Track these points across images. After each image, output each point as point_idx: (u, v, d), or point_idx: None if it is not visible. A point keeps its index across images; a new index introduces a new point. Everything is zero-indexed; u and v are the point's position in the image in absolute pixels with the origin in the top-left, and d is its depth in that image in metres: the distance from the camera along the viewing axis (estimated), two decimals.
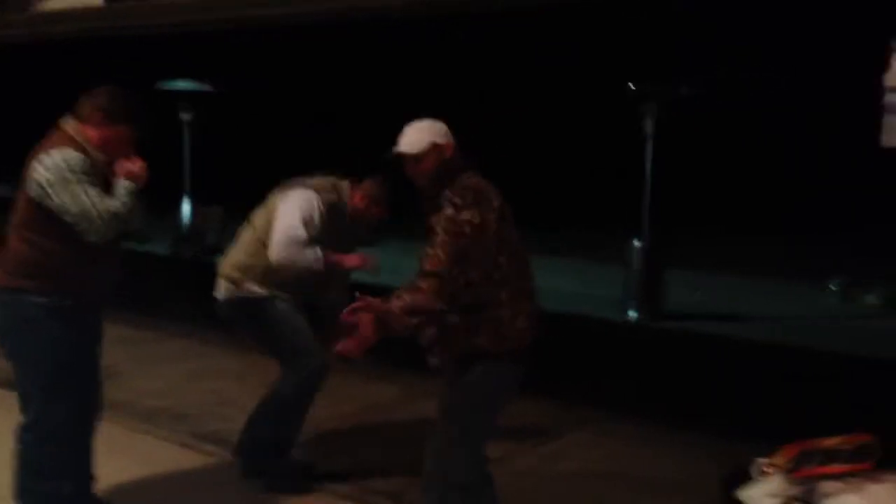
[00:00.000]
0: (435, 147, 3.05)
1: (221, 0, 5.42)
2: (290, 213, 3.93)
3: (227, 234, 10.69)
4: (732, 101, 13.17)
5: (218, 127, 14.11)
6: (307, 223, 3.92)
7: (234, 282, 4.06)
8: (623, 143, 10.19)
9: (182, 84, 12.33)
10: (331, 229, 4.01)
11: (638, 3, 8.91)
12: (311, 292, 4.16)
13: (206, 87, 12.55)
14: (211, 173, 13.13)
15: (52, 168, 3.10)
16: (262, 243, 3.98)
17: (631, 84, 8.49)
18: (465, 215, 2.86)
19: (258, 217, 4.11)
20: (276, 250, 3.88)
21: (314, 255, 3.90)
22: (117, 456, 4.20)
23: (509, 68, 13.33)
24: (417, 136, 3.09)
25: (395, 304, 2.81)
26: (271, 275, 4.00)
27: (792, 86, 13.18)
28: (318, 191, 4.02)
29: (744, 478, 2.95)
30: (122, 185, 3.22)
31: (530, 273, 3.13)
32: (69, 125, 3.27)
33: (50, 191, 3.10)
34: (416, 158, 3.06)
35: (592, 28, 11.53)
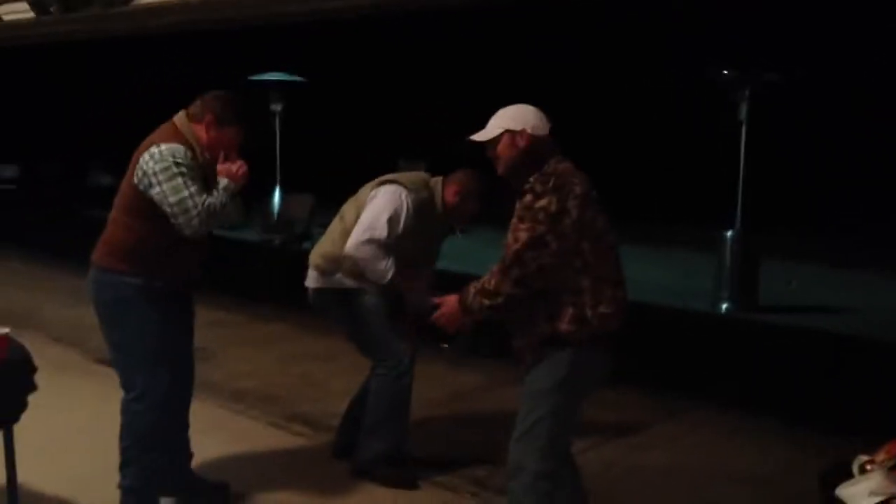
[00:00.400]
0: (508, 135, 3.02)
1: None
2: (377, 210, 3.91)
3: (316, 222, 10.92)
4: (826, 88, 12.68)
5: (308, 117, 14.37)
6: (392, 222, 3.89)
7: (323, 272, 4.08)
8: (716, 133, 9.93)
9: (273, 76, 12.58)
10: (419, 227, 3.97)
11: None
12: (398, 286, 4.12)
13: (296, 79, 12.78)
14: (301, 162, 13.38)
15: (158, 159, 3.24)
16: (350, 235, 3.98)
17: (724, 70, 8.28)
18: (542, 203, 2.86)
19: (348, 209, 4.11)
20: (352, 244, 3.88)
21: (386, 267, 3.87)
22: (211, 434, 4.33)
23: (603, 57, 13.14)
24: (494, 122, 3.07)
25: (471, 286, 2.94)
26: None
27: (885, 71, 12.62)
28: (409, 188, 3.98)
29: (843, 474, 2.84)
30: (222, 184, 3.34)
31: (617, 260, 3.08)
32: (181, 121, 3.41)
33: (153, 180, 3.24)
34: (490, 145, 3.05)
35: (683, 13, 11.27)
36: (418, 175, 4.17)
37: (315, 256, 4.15)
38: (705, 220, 9.56)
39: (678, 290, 9.27)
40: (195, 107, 3.42)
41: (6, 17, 7.77)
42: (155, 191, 3.24)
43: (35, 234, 13.36)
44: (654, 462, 4.55)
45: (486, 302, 2.91)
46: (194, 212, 3.22)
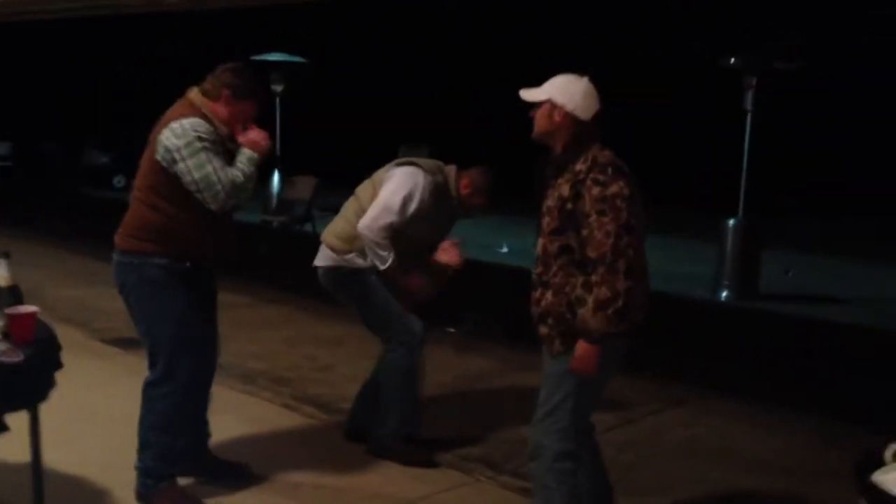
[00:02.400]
0: (549, 105, 2.95)
1: None
2: (393, 188, 3.95)
3: (316, 205, 10.91)
4: (830, 77, 12.69)
5: (308, 98, 14.30)
6: (408, 201, 3.93)
7: (334, 250, 4.10)
8: (718, 120, 9.93)
9: (274, 56, 12.51)
10: (433, 209, 4.02)
11: None
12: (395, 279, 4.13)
13: (297, 59, 12.71)
14: (300, 144, 13.33)
15: (181, 135, 3.21)
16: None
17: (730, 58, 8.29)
18: (613, 189, 2.80)
19: (363, 189, 4.13)
20: (366, 222, 3.91)
21: (387, 255, 3.91)
22: (225, 415, 4.31)
23: (608, 42, 13.07)
24: (546, 86, 2.99)
25: (580, 316, 2.81)
26: None
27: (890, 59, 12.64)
28: (426, 171, 4.03)
29: (873, 462, 2.84)
30: (245, 155, 3.33)
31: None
32: (196, 97, 3.37)
33: (177, 156, 3.21)
34: (534, 106, 2.99)
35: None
36: (433, 160, 4.20)
37: (328, 235, 4.17)
38: (707, 207, 9.59)
39: (679, 277, 9.30)
40: (208, 83, 3.39)
41: None
42: (179, 167, 3.21)
43: (33, 212, 13.29)
44: (666, 446, 4.59)
45: (610, 311, 2.78)
46: (219, 186, 3.20)
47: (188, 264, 3.37)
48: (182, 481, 3.57)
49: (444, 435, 4.46)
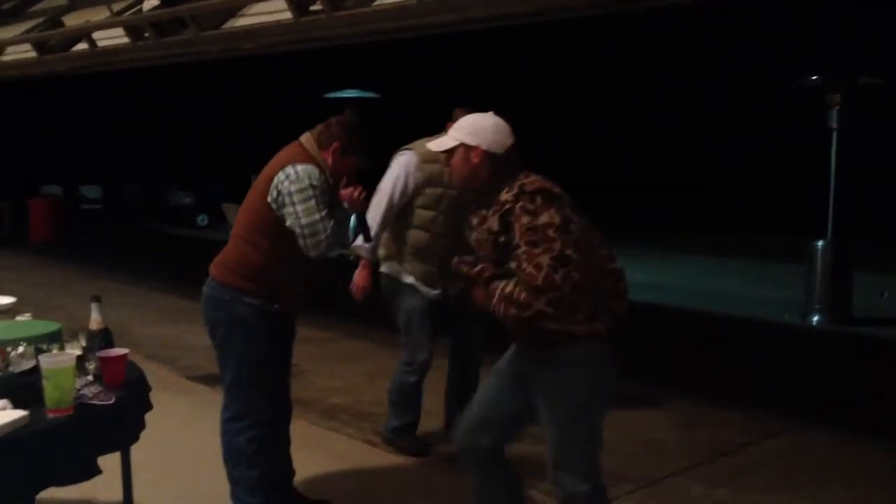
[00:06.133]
0: (463, 148, 2.91)
1: (407, 11, 5.43)
2: (385, 175, 4.33)
3: None
4: None
5: (380, 132, 14.47)
6: (395, 186, 4.27)
7: (380, 259, 4.49)
8: (804, 140, 9.65)
9: (348, 93, 12.73)
10: (434, 191, 4.30)
11: None
12: (445, 276, 4.22)
13: (370, 95, 12.91)
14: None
15: (295, 180, 3.27)
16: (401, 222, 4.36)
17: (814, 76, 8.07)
18: (543, 219, 2.70)
19: None
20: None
21: (361, 240, 3.79)
22: (308, 451, 4.32)
23: (691, 64, 12.86)
24: (452, 132, 2.97)
25: (498, 287, 2.74)
26: (410, 252, 4.35)
27: None
28: (416, 151, 4.31)
29: None
30: (343, 210, 3.41)
31: (616, 274, 2.88)
32: (309, 144, 3.42)
33: (287, 200, 3.27)
34: (447, 154, 3.02)
35: (770, 18, 11.00)
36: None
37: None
38: (796, 229, 9.30)
39: (768, 302, 9.03)
40: (321, 133, 3.44)
41: (101, 44, 7.98)
42: (288, 210, 3.28)
43: (121, 252, 13.72)
44: (762, 480, 4.40)
45: (514, 311, 2.70)
46: (323, 235, 3.26)
47: (276, 306, 3.41)
48: None
49: None
